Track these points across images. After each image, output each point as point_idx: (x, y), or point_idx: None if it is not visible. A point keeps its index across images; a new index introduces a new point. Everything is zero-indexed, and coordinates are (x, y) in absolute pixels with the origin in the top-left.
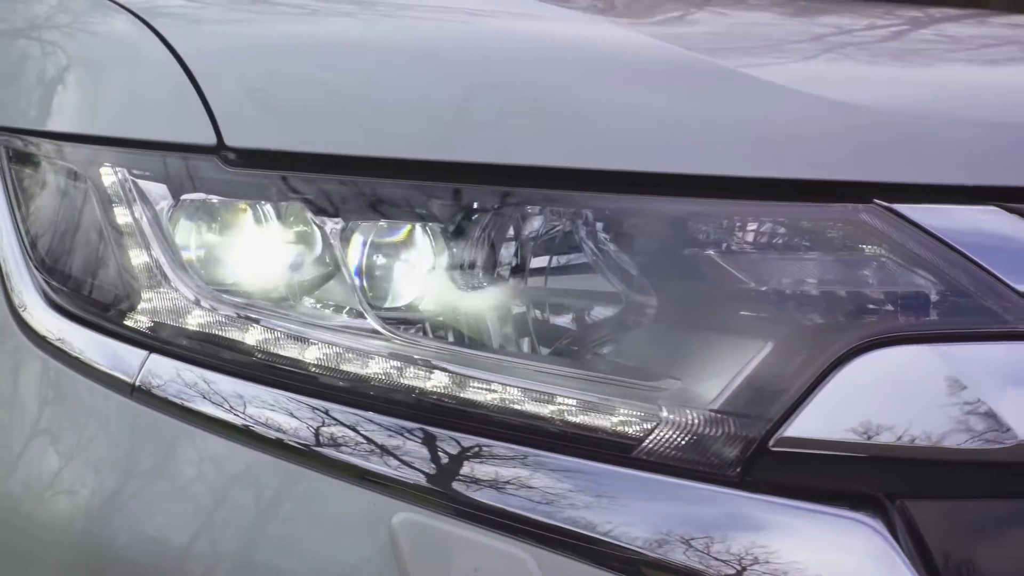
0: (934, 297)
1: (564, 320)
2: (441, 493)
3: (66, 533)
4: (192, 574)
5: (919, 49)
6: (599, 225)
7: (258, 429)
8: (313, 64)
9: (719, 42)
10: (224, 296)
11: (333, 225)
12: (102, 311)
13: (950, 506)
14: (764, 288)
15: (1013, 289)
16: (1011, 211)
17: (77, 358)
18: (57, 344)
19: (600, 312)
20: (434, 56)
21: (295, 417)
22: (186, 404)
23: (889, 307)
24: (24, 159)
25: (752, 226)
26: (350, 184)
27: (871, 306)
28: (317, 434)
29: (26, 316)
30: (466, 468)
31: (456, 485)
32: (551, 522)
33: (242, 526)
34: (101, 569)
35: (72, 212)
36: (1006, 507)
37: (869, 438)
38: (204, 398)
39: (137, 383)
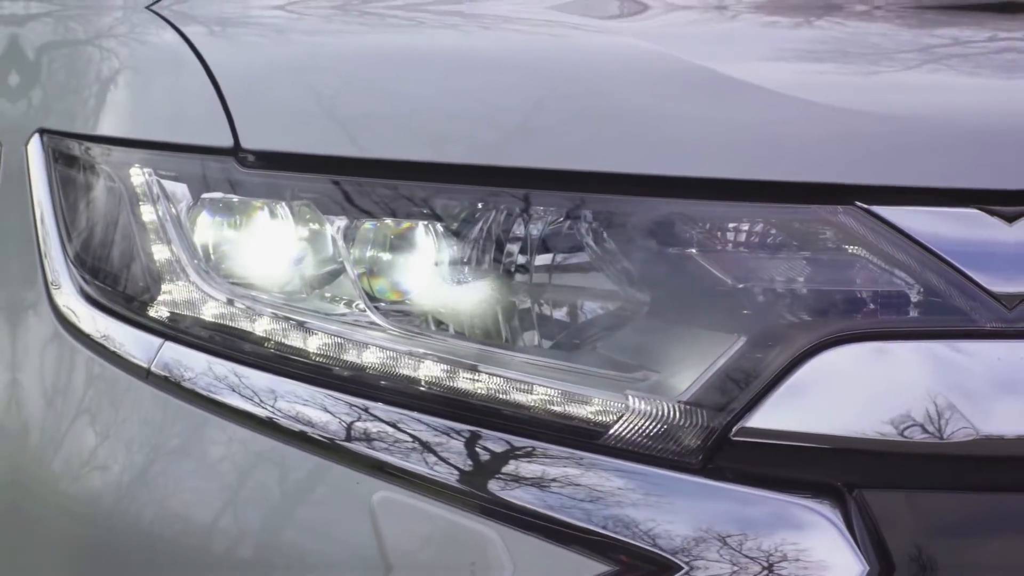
0: (904, 296)
1: (553, 315)
2: (419, 475)
3: (94, 506)
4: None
5: (912, 55)
6: (592, 225)
7: (280, 420)
8: (325, 75)
9: (723, 48)
10: (237, 289)
11: (340, 223)
12: (126, 301)
13: (906, 497)
14: (742, 286)
15: (984, 289)
16: (992, 213)
17: (102, 345)
18: (86, 331)
19: (588, 308)
20: (431, 65)
21: (324, 410)
22: (198, 390)
23: (859, 305)
24: (68, 160)
25: (734, 227)
26: (356, 184)
27: (841, 304)
28: (305, 416)
29: (60, 305)
30: (448, 452)
31: (438, 467)
32: (522, 504)
33: (236, 497)
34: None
35: (105, 209)
36: (960, 499)
37: (829, 430)
38: (221, 386)
39: (152, 368)
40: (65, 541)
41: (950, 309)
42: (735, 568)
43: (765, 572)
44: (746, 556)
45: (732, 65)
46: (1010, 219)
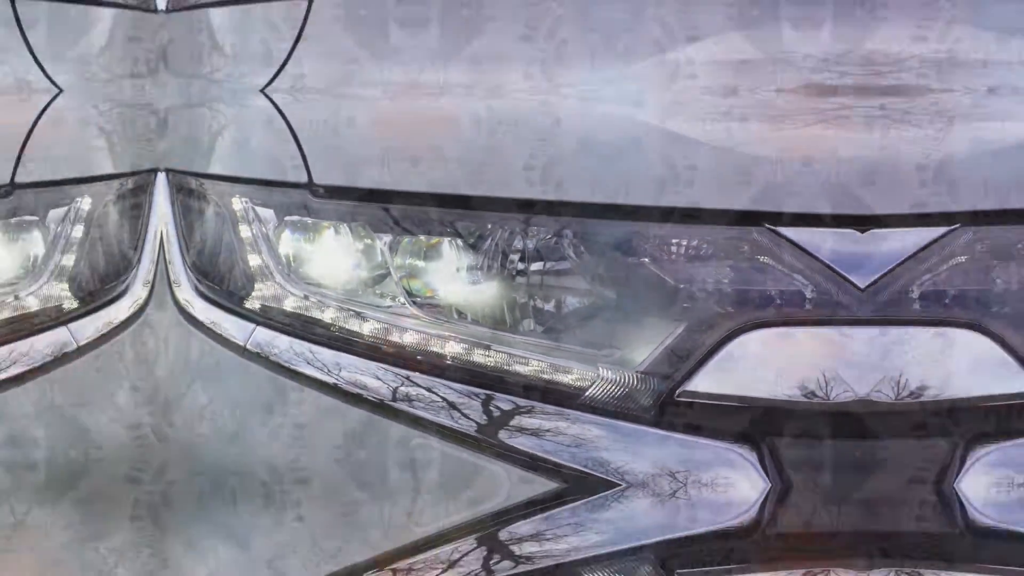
0: (801, 294)
1: (544, 307)
2: (446, 426)
3: (205, 449)
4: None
5: (809, 116)
6: (572, 241)
7: (343, 385)
8: (377, 129)
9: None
10: (310, 287)
11: (386, 238)
12: (229, 296)
13: (803, 442)
14: (683, 286)
15: (856, 286)
16: (863, 231)
17: (211, 328)
18: (199, 319)
19: (570, 302)
20: (455, 124)
21: (375, 377)
22: (281, 362)
23: (768, 300)
24: (186, 192)
25: (677, 242)
26: (399, 210)
27: (756, 299)
28: (361, 382)
29: (181, 299)
30: (468, 409)
31: (460, 420)
32: (522, 448)
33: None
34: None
35: (212, 228)
36: (841, 445)
37: (747, 393)
38: (299, 359)
39: (247, 346)
40: (184, 477)
41: (835, 303)
42: (682, 491)
43: (703, 493)
44: (688, 484)
45: (682, 124)
46: (863, 232)
